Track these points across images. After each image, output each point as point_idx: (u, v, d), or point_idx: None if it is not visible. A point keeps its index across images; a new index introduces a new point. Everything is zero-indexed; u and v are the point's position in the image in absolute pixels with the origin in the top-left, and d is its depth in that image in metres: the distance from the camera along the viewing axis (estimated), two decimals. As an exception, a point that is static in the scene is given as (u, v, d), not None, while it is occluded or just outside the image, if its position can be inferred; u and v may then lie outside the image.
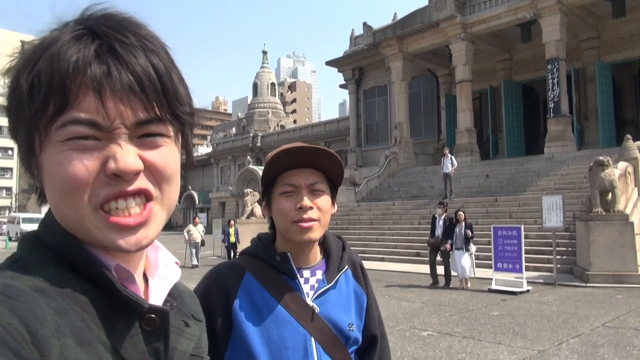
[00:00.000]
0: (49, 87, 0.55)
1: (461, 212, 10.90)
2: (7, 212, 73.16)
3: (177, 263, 0.73)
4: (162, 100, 0.59)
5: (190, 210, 54.15)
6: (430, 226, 11.54)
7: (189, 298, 0.77)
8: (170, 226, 57.75)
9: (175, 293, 0.71)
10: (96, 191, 0.57)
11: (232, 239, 16.43)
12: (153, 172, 0.60)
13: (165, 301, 0.67)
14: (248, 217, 20.31)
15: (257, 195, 21.82)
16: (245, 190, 22.22)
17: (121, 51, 0.57)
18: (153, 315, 0.61)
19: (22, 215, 39.12)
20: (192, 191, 52.14)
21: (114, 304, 0.59)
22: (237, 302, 1.21)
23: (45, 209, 0.66)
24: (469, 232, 10.56)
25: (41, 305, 0.52)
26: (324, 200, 1.25)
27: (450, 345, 6.17)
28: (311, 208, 1.22)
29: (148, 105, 0.58)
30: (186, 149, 0.67)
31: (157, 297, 0.67)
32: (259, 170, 34.27)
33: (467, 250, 10.53)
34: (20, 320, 0.48)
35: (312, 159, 1.24)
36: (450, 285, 10.74)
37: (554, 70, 19.54)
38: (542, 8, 19.59)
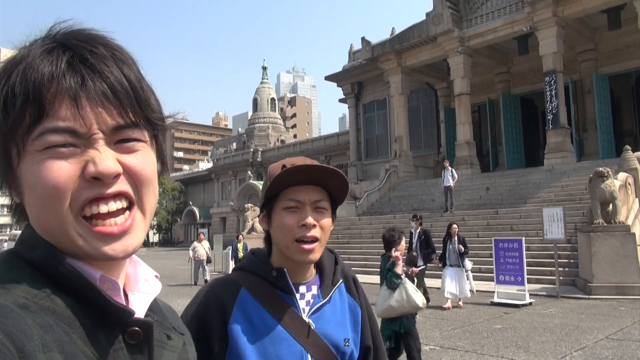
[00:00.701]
0: (24, 98, 0.56)
1: (454, 226, 10.48)
2: (9, 229, 73.05)
3: (156, 277, 0.73)
4: (136, 106, 0.61)
5: (191, 226, 54.12)
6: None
7: (169, 312, 0.77)
8: (172, 242, 57.72)
9: (155, 307, 0.71)
10: (76, 196, 0.57)
11: (241, 254, 16.03)
12: (132, 175, 0.61)
13: (146, 315, 0.67)
14: (249, 232, 20.29)
15: (258, 210, 21.82)
16: (246, 205, 22.25)
17: (93, 61, 0.59)
18: (137, 328, 0.60)
19: (3, 251, 39.06)
20: (193, 207, 52.17)
21: (97, 318, 0.58)
22: (232, 319, 1.20)
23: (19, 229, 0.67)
24: (462, 247, 10.04)
25: (27, 321, 0.51)
26: (327, 219, 1.25)
27: (453, 360, 6.12)
28: (314, 226, 1.22)
29: (123, 111, 0.60)
30: (161, 156, 0.68)
31: (138, 310, 0.66)
32: (260, 185, 34.29)
33: (463, 266, 10.06)
34: (6, 335, 0.48)
35: (318, 176, 1.23)
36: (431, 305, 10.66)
37: (552, 82, 19.65)
38: (539, 21, 19.76)
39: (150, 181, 0.63)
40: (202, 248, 16.10)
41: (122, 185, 0.60)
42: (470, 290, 10.27)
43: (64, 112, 0.57)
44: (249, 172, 40.37)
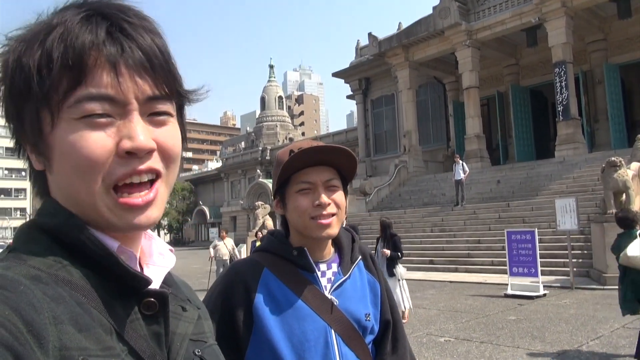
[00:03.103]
0: (63, 64, 0.56)
1: (384, 218, 8.79)
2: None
3: (171, 250, 0.74)
4: (168, 77, 0.62)
5: (202, 225, 54.38)
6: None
7: (183, 286, 0.78)
8: (183, 242, 58.01)
9: (169, 280, 0.72)
10: (110, 171, 0.58)
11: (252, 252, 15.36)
12: (162, 151, 0.62)
13: (160, 287, 0.67)
14: (260, 230, 20.33)
15: (268, 208, 21.85)
16: (256, 203, 22.28)
17: (130, 30, 0.60)
18: (152, 299, 0.61)
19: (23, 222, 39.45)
20: (203, 206, 52.37)
21: (113, 288, 0.59)
22: (257, 298, 1.22)
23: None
24: (386, 251, 8.03)
25: (36, 294, 0.51)
26: (340, 195, 1.28)
27: (468, 351, 6.12)
28: (329, 204, 1.25)
29: (158, 82, 0.61)
30: (182, 128, 0.68)
31: (153, 283, 0.67)
32: (269, 183, 34.33)
33: (393, 275, 8.07)
34: (14, 311, 0.47)
35: (326, 156, 1.26)
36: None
37: (562, 73, 19.48)
38: (547, 12, 19.58)
39: (178, 157, 0.65)
40: (224, 246, 14.09)
41: (154, 162, 0.61)
42: (405, 307, 7.98)
43: (103, 79, 0.57)
44: (258, 170, 40.43)
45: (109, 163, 0.57)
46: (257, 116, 55.51)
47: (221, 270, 13.30)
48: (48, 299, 0.51)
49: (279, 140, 48.05)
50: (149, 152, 0.60)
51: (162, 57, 0.61)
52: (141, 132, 0.59)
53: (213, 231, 41.45)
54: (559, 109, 19.71)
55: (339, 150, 1.25)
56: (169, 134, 0.63)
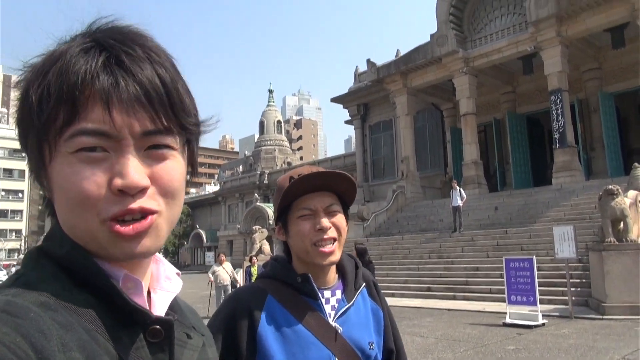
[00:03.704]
0: (58, 99, 0.57)
1: (359, 245, 8.46)
2: (17, 254, 73.27)
3: (178, 274, 0.73)
4: (169, 111, 0.60)
5: (198, 249, 54.03)
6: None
7: (189, 312, 0.77)
8: (178, 266, 57.52)
9: (175, 306, 0.71)
10: (105, 208, 0.57)
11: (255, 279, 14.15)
12: (159, 186, 0.61)
13: (166, 314, 0.67)
14: (257, 254, 20.19)
15: (266, 232, 21.76)
16: (254, 228, 22.19)
17: (128, 63, 0.59)
18: (158, 327, 0.60)
19: (30, 248, 39.16)
20: (199, 230, 52.15)
21: (118, 316, 0.59)
22: (261, 325, 1.22)
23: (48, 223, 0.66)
24: None
25: (46, 321, 0.51)
26: (340, 219, 1.29)
27: (467, 382, 6.00)
28: (330, 228, 1.26)
29: (155, 116, 0.59)
30: (192, 161, 0.68)
31: (159, 309, 0.67)
32: (267, 207, 34.33)
33: None
34: (24, 337, 0.48)
35: (327, 182, 1.28)
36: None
37: (558, 101, 19.68)
38: (543, 41, 19.90)
39: (177, 192, 0.63)
40: (224, 271, 13.57)
41: (148, 200, 0.59)
42: None
43: (95, 114, 0.57)
44: (256, 194, 40.40)
45: (102, 200, 0.57)
46: (255, 140, 55.82)
47: (222, 296, 13.01)
48: (57, 326, 0.51)
49: (277, 165, 48.18)
50: (142, 190, 0.59)
51: (164, 89, 0.60)
52: (133, 170, 0.58)
53: (209, 255, 41.13)
54: (556, 136, 19.85)
55: (338, 176, 1.27)
56: (168, 168, 0.61)
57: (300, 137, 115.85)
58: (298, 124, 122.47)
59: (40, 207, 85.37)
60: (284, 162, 49.16)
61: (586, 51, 21.55)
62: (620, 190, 11.11)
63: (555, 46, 19.71)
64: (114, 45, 0.59)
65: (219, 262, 14.03)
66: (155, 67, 0.60)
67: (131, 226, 0.58)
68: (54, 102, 0.57)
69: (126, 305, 0.59)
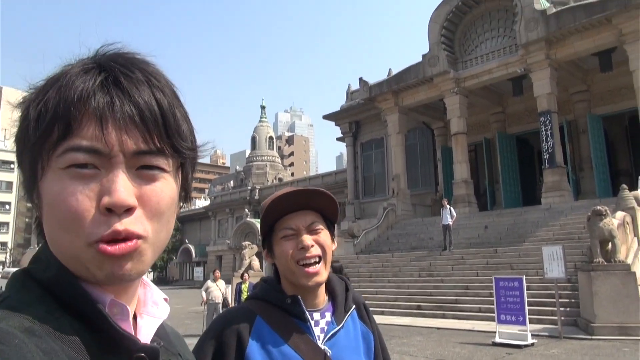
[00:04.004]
0: (54, 115, 0.58)
1: (334, 262, 7.63)
2: (1, 267, 72.08)
3: (165, 299, 0.72)
4: (163, 132, 0.61)
5: (186, 264, 53.48)
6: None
7: (175, 338, 0.76)
8: (167, 281, 56.87)
9: (161, 332, 0.70)
10: (92, 229, 0.57)
11: (245, 296, 12.00)
12: (146, 207, 0.60)
13: (152, 340, 0.66)
14: (246, 271, 20.02)
15: (255, 248, 21.62)
16: (243, 243, 22.05)
17: (126, 84, 0.60)
18: (143, 355, 0.59)
19: (16, 270, 38.52)
20: (189, 245, 51.69)
21: (104, 343, 0.58)
22: (249, 347, 1.20)
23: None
24: None
25: (30, 348, 0.50)
26: (324, 236, 1.28)
27: (456, 402, 5.96)
28: (312, 246, 1.25)
29: (148, 137, 0.60)
30: (185, 185, 0.68)
31: (145, 335, 0.66)
32: (257, 223, 34.15)
33: None
34: None
35: (306, 200, 1.27)
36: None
37: (547, 122, 19.95)
38: (532, 63, 20.24)
39: (164, 215, 0.62)
40: (217, 289, 13.06)
41: (134, 223, 0.59)
42: None
43: (89, 131, 0.57)
44: (246, 210, 40.26)
45: (90, 219, 0.57)
46: (247, 155, 55.78)
47: (214, 314, 12.50)
48: (41, 354, 0.50)
49: (268, 180, 48.11)
50: (129, 210, 0.58)
51: (160, 111, 0.61)
52: (122, 187, 0.58)
53: (198, 270, 40.69)
54: (545, 156, 20.08)
55: (316, 193, 1.27)
56: (157, 189, 0.61)
57: (292, 154, 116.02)
58: (290, 140, 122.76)
59: (27, 220, 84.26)
60: (275, 178, 49.12)
61: (575, 74, 21.93)
62: (608, 211, 11.23)
63: (544, 69, 20.05)
64: (114, 67, 0.61)
65: (213, 278, 13.56)
66: (153, 91, 0.61)
67: (117, 246, 0.58)
68: (50, 118, 0.58)
69: (112, 332, 0.58)
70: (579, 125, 22.73)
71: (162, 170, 0.62)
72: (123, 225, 0.58)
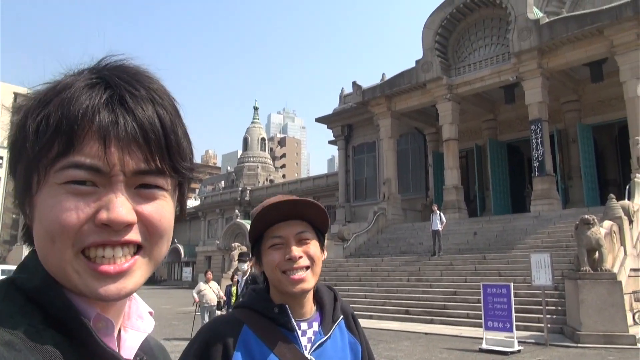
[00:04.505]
0: (56, 130, 0.57)
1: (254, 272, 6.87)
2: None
3: (150, 313, 0.71)
4: (164, 153, 0.61)
5: (175, 264, 53.17)
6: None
7: (159, 351, 0.75)
8: (155, 281, 56.46)
9: (145, 346, 0.69)
10: (81, 238, 0.56)
11: (234, 299, 11.23)
12: (147, 225, 0.60)
13: (136, 355, 0.65)
14: (235, 272, 19.95)
15: (245, 250, 21.57)
16: (233, 244, 21.98)
17: (131, 102, 0.59)
18: None
19: (1, 267, 38.03)
20: (177, 244, 51.39)
21: (85, 357, 0.56)
22: (235, 356, 1.20)
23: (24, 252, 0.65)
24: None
25: None
26: (313, 247, 1.28)
27: (442, 408, 5.98)
28: (300, 257, 1.25)
29: (149, 157, 0.59)
30: (181, 202, 0.67)
31: (128, 349, 0.65)
32: (247, 224, 34.08)
33: None
34: None
35: (295, 210, 1.27)
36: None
37: (538, 130, 20.12)
38: (524, 72, 20.41)
39: (165, 232, 0.62)
40: (211, 291, 12.24)
41: (133, 234, 0.59)
42: None
43: (91, 149, 0.57)
44: (237, 210, 40.13)
45: (82, 231, 0.56)
46: (238, 156, 55.64)
47: (207, 317, 11.81)
48: None
49: (259, 182, 48.02)
50: (128, 226, 0.58)
51: (162, 131, 0.60)
52: (120, 205, 0.57)
53: (187, 270, 40.48)
54: (535, 164, 20.24)
55: (306, 203, 1.27)
56: (157, 208, 0.61)
57: (283, 155, 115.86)
58: (282, 142, 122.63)
59: (14, 216, 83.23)
60: (267, 180, 49.05)
61: (566, 84, 22.15)
62: (596, 220, 11.33)
63: (536, 77, 20.23)
64: (119, 84, 0.60)
65: (205, 279, 12.94)
66: (156, 109, 0.61)
67: (112, 266, 0.58)
68: (52, 133, 0.57)
69: (96, 347, 0.57)
70: (569, 135, 22.96)
71: (162, 189, 0.62)
72: (120, 235, 0.58)
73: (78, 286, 0.57)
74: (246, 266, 7.65)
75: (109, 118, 0.58)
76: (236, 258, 20.50)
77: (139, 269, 0.60)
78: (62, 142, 0.57)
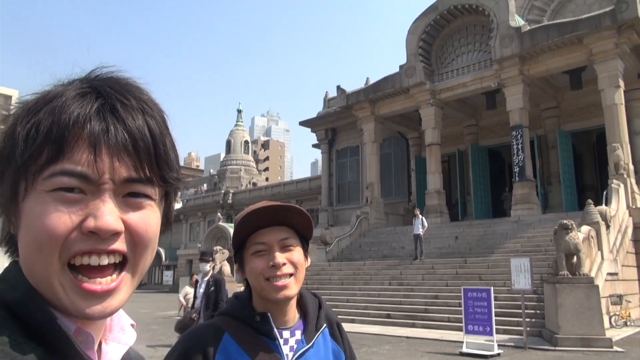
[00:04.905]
0: (46, 137, 0.56)
1: (217, 275, 6.90)
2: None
3: (132, 325, 0.71)
4: (153, 162, 0.61)
5: (156, 267, 52.54)
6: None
7: None
8: (134, 284, 55.69)
9: (126, 358, 0.69)
10: (68, 246, 0.56)
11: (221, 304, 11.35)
12: (132, 234, 0.60)
13: None
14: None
15: (227, 253, 21.41)
16: (215, 248, 21.83)
17: (121, 111, 0.60)
18: None
19: None
20: (159, 248, 50.81)
21: None
22: None
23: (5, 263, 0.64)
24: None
25: None
26: (297, 254, 1.27)
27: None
28: (284, 264, 1.23)
29: (139, 165, 0.60)
30: (167, 213, 0.68)
31: None
32: (229, 227, 33.90)
33: None
34: None
35: (279, 216, 1.26)
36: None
37: (518, 136, 20.41)
38: (506, 78, 20.70)
39: (150, 242, 0.62)
40: None
41: (119, 244, 0.59)
42: None
43: (81, 156, 0.57)
44: (219, 214, 39.88)
45: (69, 239, 0.56)
46: (221, 159, 55.32)
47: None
48: None
49: (242, 185, 47.80)
50: (114, 234, 0.58)
51: (152, 140, 0.61)
52: (108, 213, 0.57)
53: (167, 274, 40.03)
54: (515, 170, 20.52)
55: (290, 209, 1.25)
56: (143, 217, 0.61)
57: (267, 158, 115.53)
58: (266, 145, 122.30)
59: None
60: (250, 183, 48.84)
61: (546, 90, 22.53)
62: (574, 225, 11.52)
63: (517, 84, 20.53)
64: (111, 94, 0.60)
65: (191, 283, 12.37)
66: (146, 119, 0.62)
67: (100, 285, 0.57)
68: (41, 140, 0.57)
69: (77, 359, 0.56)
70: (548, 141, 23.34)
71: (149, 198, 0.62)
72: (107, 244, 0.58)
73: (63, 301, 0.57)
74: (208, 267, 7.25)
75: (100, 126, 0.58)
76: (218, 262, 20.36)
77: (125, 286, 0.61)
78: (52, 149, 0.57)
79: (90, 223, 0.56)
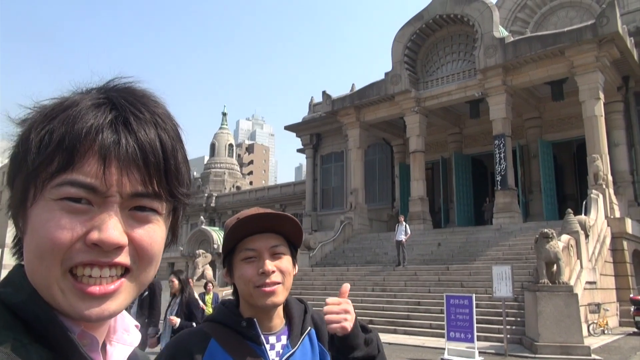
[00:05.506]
0: (58, 145, 0.57)
1: (182, 276, 6.44)
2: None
3: (136, 326, 0.72)
4: (162, 177, 0.61)
5: (136, 270, 51.90)
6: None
7: None
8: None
9: (132, 359, 0.70)
10: (70, 256, 0.56)
11: (209, 309, 10.61)
12: (137, 249, 0.60)
13: None
14: (199, 279, 19.67)
15: (209, 257, 21.28)
16: (197, 251, 21.68)
17: (134, 124, 0.60)
18: None
19: None
20: (140, 250, 50.26)
21: None
22: None
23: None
24: (174, 319, 5.77)
25: None
26: (286, 262, 1.28)
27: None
28: (273, 272, 1.25)
29: (147, 179, 0.60)
30: (174, 228, 0.68)
31: None
32: (212, 230, 33.65)
33: None
34: None
35: (271, 223, 1.28)
36: None
37: (501, 145, 20.69)
38: (489, 88, 21.00)
39: (155, 256, 0.63)
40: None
41: (122, 257, 0.59)
42: None
43: (90, 167, 0.57)
44: (202, 217, 39.55)
45: (72, 249, 0.57)
46: (205, 162, 54.93)
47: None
48: None
49: (225, 188, 47.51)
50: (118, 248, 0.58)
51: (163, 155, 0.61)
52: (113, 226, 0.57)
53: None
54: (498, 178, 20.78)
55: (282, 217, 1.27)
56: (149, 232, 0.61)
57: (251, 162, 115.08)
58: (250, 149, 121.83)
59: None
60: (233, 186, 48.58)
61: (529, 101, 22.90)
62: (554, 234, 11.70)
63: (500, 94, 20.83)
64: (125, 106, 0.61)
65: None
66: (159, 132, 0.62)
67: (98, 287, 0.58)
68: (53, 148, 0.57)
69: None
70: (530, 150, 23.70)
71: (156, 212, 0.62)
72: (109, 256, 0.58)
73: (62, 305, 0.57)
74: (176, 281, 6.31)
75: (112, 138, 0.59)
76: (200, 265, 20.23)
77: (124, 291, 0.61)
78: (63, 158, 0.57)
79: (94, 235, 0.56)
